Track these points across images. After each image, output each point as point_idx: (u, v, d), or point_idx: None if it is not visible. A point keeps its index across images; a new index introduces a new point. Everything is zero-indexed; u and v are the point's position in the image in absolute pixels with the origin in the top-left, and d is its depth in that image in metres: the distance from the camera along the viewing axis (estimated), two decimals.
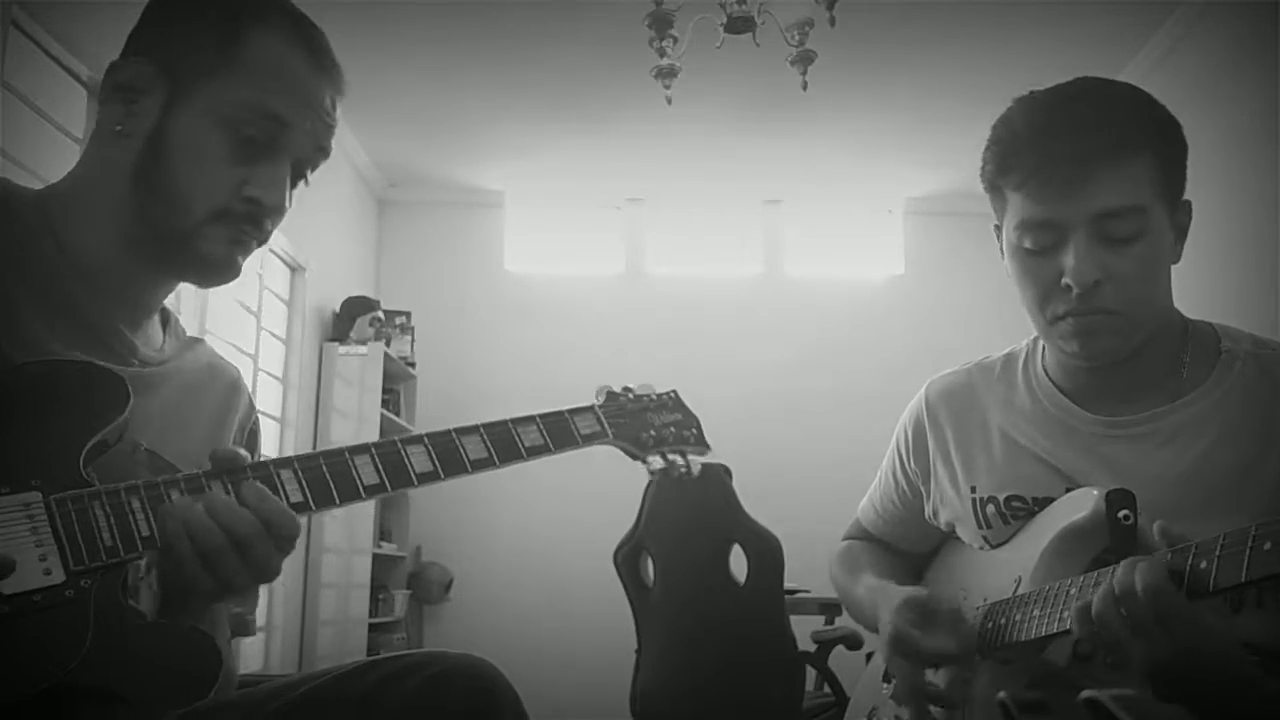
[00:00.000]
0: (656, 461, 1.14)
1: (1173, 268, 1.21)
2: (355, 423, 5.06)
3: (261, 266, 4.61)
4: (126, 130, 0.99)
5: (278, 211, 1.01)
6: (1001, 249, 1.25)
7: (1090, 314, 1.15)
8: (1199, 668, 0.97)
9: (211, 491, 0.88)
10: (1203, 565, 0.94)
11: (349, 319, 5.22)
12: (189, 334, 1.17)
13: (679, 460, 1.14)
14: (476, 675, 0.84)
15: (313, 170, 1.07)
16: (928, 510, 1.41)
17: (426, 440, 1.00)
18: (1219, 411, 1.17)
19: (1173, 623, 0.94)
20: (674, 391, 1.22)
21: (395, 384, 5.52)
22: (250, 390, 1.20)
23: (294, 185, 1.05)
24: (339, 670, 0.86)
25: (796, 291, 6.08)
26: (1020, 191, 1.17)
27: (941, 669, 1.23)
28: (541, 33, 4.30)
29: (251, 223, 1.01)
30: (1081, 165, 1.12)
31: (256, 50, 0.99)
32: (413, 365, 5.63)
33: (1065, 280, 1.14)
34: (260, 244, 1.05)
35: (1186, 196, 1.20)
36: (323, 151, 1.05)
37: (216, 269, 1.02)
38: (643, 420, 1.15)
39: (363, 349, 5.14)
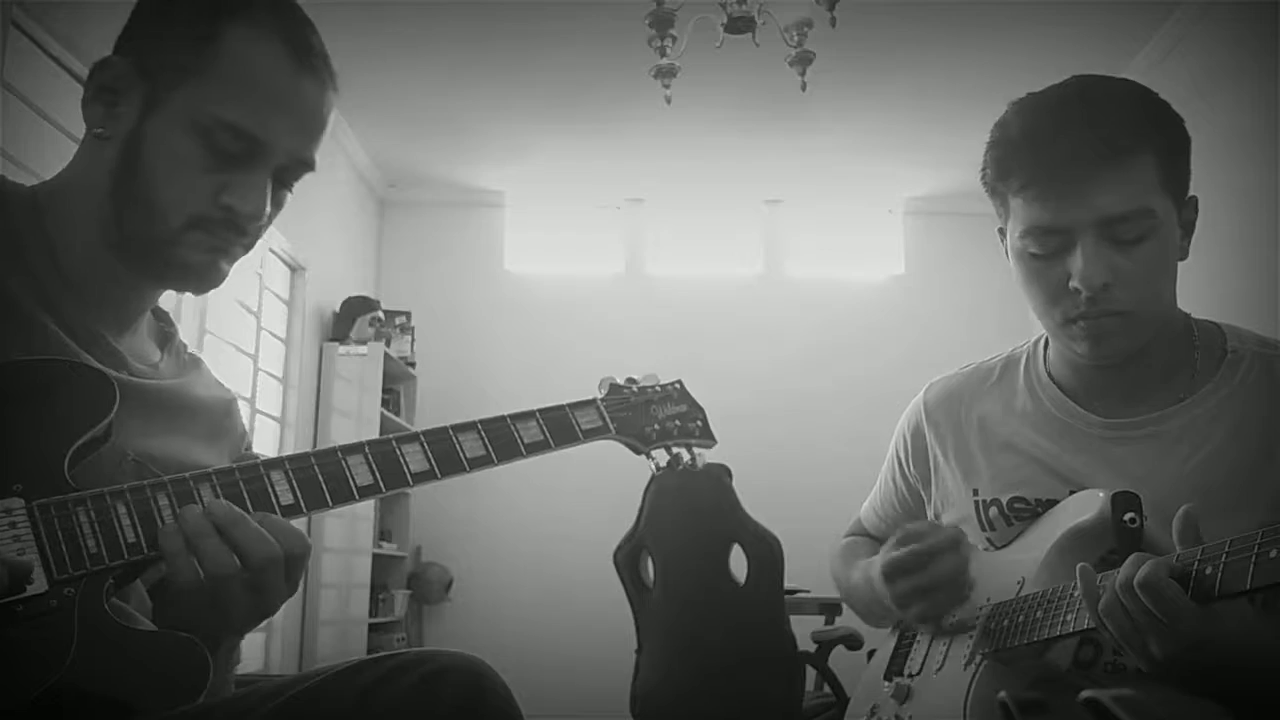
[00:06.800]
0: (660, 456, 1.12)
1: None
2: (355, 423, 5.05)
3: (261, 266, 4.60)
4: (107, 133, 0.96)
5: (255, 219, 0.97)
6: (1006, 251, 1.24)
7: (1100, 316, 1.14)
8: (1213, 663, 0.95)
9: (209, 501, 0.85)
10: (1208, 571, 0.92)
11: (349, 319, 5.22)
12: (189, 342, 1.15)
13: (683, 454, 1.13)
14: (468, 672, 0.83)
15: (297, 179, 1.03)
16: (930, 513, 1.40)
17: (422, 438, 0.98)
18: (1225, 411, 1.16)
19: (1175, 617, 0.93)
20: (679, 382, 1.19)
21: (395, 384, 5.52)
22: (250, 392, 1.20)
23: (279, 190, 1.01)
24: (331, 670, 0.85)
25: (796, 291, 6.08)
26: (1021, 196, 1.15)
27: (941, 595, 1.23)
28: (541, 33, 4.30)
29: (231, 230, 0.97)
30: (1083, 169, 1.10)
31: (233, 51, 0.95)
32: (413, 365, 5.63)
33: (1074, 284, 1.13)
34: (246, 250, 1.02)
35: (1191, 193, 1.18)
36: (305, 163, 1.01)
37: (198, 276, 0.99)
38: (646, 413, 1.13)
39: (363, 349, 5.14)
